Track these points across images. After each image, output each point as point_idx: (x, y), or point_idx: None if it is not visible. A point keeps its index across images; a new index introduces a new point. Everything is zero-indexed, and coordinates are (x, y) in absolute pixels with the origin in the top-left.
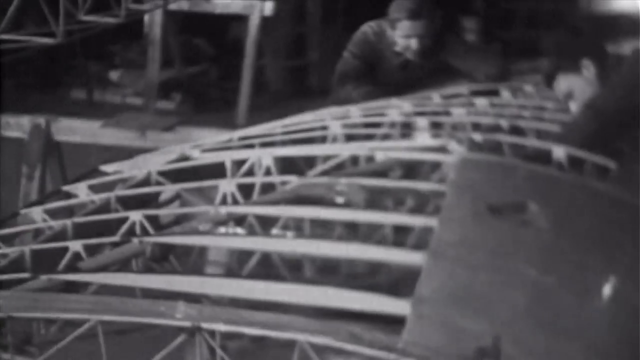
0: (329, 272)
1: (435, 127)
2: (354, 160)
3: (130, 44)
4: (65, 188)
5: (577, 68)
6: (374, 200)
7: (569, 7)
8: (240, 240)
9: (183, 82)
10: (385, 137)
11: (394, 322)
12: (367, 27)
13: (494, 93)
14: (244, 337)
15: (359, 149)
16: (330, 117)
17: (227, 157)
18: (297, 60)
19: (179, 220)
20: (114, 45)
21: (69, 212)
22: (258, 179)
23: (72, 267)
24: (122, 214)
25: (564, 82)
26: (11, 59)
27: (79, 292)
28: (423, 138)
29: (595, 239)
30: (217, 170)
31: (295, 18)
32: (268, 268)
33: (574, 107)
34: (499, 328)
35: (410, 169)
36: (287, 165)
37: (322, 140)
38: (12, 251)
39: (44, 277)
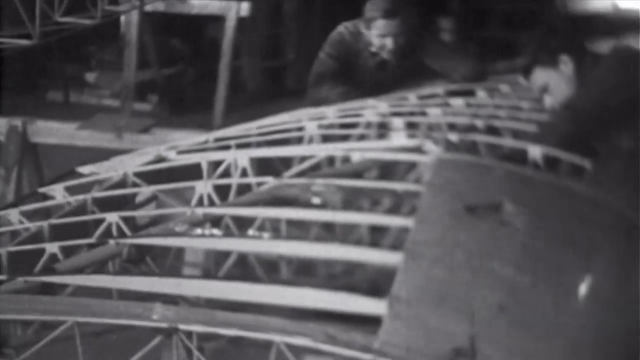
0: (305, 272)
1: (411, 127)
2: (330, 160)
3: (106, 45)
4: (42, 190)
5: (555, 63)
6: (350, 200)
7: (545, 7)
8: (217, 242)
9: (159, 84)
10: (362, 137)
11: (371, 322)
12: (343, 28)
13: (470, 93)
14: (220, 338)
15: (335, 149)
16: (306, 118)
17: (203, 159)
18: (273, 61)
19: (155, 221)
20: (90, 46)
21: (46, 213)
22: (234, 180)
23: (48, 269)
24: (98, 216)
25: (541, 76)
26: None
27: (55, 293)
28: (399, 138)
29: (571, 239)
30: (193, 172)
31: (271, 19)
32: (245, 269)
33: (549, 101)
34: (476, 328)
35: (387, 170)
36: (264, 166)
37: (298, 141)
38: None
39: (20, 279)
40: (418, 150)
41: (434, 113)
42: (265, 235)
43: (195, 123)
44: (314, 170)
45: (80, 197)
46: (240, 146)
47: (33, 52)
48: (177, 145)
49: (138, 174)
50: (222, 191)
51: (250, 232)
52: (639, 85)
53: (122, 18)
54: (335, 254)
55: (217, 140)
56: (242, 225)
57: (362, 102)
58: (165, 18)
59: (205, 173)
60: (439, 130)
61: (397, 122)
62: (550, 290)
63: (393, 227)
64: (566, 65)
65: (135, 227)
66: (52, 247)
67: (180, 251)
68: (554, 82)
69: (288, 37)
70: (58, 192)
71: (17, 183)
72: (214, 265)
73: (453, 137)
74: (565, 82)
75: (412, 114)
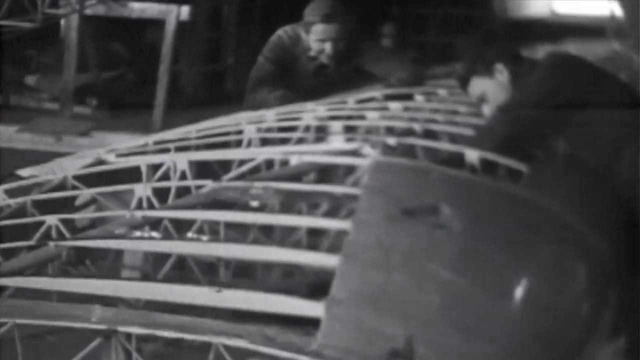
0: (243, 275)
1: (350, 131)
2: (269, 164)
3: (46, 48)
4: None
5: (490, 72)
6: (289, 203)
7: (484, 12)
8: (156, 244)
9: (99, 87)
10: (300, 141)
11: (309, 324)
12: (282, 32)
13: (408, 97)
14: (159, 340)
15: (274, 152)
16: (245, 122)
17: (142, 162)
18: (213, 65)
19: (94, 224)
20: (30, 49)
21: None
22: (173, 183)
23: None
24: (38, 218)
25: (478, 86)
26: None
27: None
28: (337, 142)
29: (508, 242)
30: (132, 175)
31: (211, 23)
32: (183, 271)
33: (487, 110)
34: (413, 330)
35: (325, 173)
36: (203, 169)
37: (237, 144)
38: None
39: None
40: (356, 153)
41: (372, 117)
42: (204, 237)
43: (135, 126)
44: (253, 173)
45: (20, 199)
46: (179, 149)
47: None
48: (116, 148)
49: (77, 177)
50: (162, 194)
51: (189, 234)
52: (575, 90)
53: (62, 21)
54: (274, 257)
55: (157, 143)
56: (181, 227)
57: (300, 105)
58: (105, 21)
59: (144, 176)
60: (377, 134)
61: (336, 126)
62: (487, 292)
63: (331, 230)
64: (501, 73)
65: (75, 229)
66: None
67: (119, 253)
68: (492, 92)
69: (228, 42)
70: None
71: None
72: (153, 268)
73: (391, 140)
74: (503, 91)
75: (350, 117)
